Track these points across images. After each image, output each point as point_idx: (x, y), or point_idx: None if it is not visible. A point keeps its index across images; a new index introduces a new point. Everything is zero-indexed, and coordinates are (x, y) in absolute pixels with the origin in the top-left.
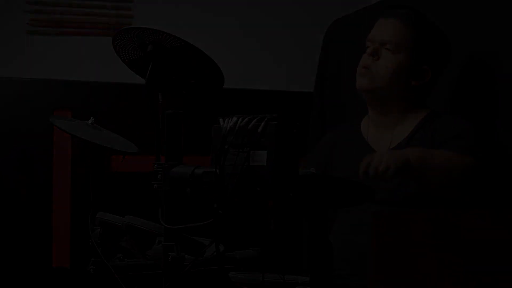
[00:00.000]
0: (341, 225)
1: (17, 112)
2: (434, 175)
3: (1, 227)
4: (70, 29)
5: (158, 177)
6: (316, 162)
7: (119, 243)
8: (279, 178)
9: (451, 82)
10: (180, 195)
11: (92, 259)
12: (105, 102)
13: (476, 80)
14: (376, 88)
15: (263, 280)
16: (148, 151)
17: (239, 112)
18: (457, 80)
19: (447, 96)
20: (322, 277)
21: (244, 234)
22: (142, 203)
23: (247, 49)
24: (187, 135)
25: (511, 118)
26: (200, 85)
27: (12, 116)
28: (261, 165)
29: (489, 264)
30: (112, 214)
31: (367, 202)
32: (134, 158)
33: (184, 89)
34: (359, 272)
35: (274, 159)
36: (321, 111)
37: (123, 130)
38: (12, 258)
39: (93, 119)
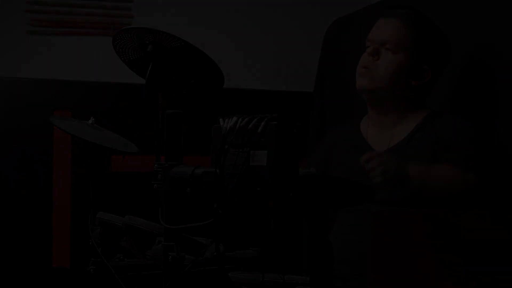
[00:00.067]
0: (341, 225)
1: (17, 112)
2: (433, 192)
3: (1, 227)
4: (70, 29)
5: (158, 177)
6: (316, 162)
7: (119, 243)
8: (279, 178)
9: (451, 82)
10: (180, 195)
11: (92, 259)
12: (105, 102)
13: (476, 80)
14: (376, 88)
15: (263, 280)
16: (148, 151)
17: (239, 112)
18: (457, 80)
19: (447, 96)
20: (322, 277)
21: (244, 234)
22: (142, 203)
23: (247, 49)
24: (187, 135)
25: (511, 118)
26: (200, 85)
27: (12, 116)
28: (261, 165)
29: (489, 264)
30: (112, 214)
31: (367, 202)
32: (134, 158)
33: (184, 89)
34: (359, 272)
35: (274, 159)
36: (321, 111)
37: (123, 130)
38: (12, 258)
39: (93, 119)
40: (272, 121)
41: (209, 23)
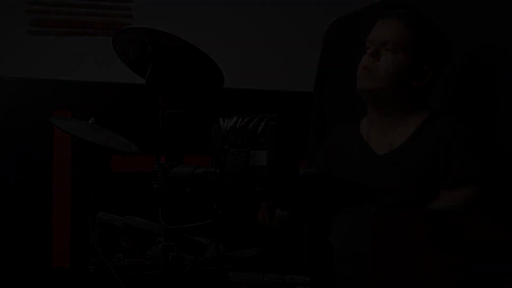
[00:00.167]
0: (341, 225)
1: (17, 112)
2: None
3: (1, 227)
4: (70, 29)
5: (158, 177)
6: (316, 162)
7: (119, 243)
8: (279, 178)
9: (451, 82)
10: (180, 195)
11: (92, 259)
12: (105, 102)
13: (476, 80)
14: (377, 88)
15: (263, 280)
16: (148, 151)
17: (239, 112)
18: (457, 80)
19: (447, 96)
20: (322, 277)
21: (244, 234)
22: (142, 203)
23: (247, 49)
24: (187, 135)
25: (511, 118)
26: (200, 85)
27: (12, 116)
28: (261, 165)
29: (489, 264)
30: (112, 214)
31: (367, 202)
32: (134, 158)
33: (184, 89)
34: (359, 272)
35: (274, 159)
36: (321, 111)
37: (123, 130)
38: (12, 258)
39: (93, 119)
40: (272, 121)
41: (209, 23)
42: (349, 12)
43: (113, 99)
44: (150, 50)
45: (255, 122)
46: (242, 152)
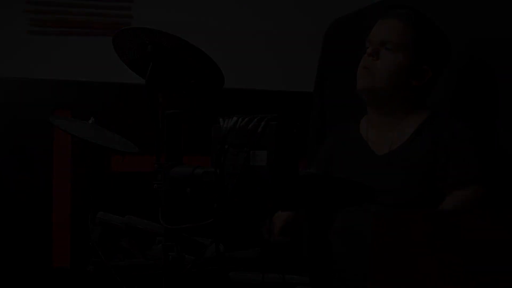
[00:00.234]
0: (341, 225)
1: (17, 112)
2: None
3: (1, 227)
4: (70, 29)
5: (158, 177)
6: (317, 162)
7: (119, 243)
8: (279, 178)
9: (451, 82)
10: (180, 195)
11: (92, 259)
12: (105, 102)
13: (476, 80)
14: (376, 88)
15: (263, 280)
16: (148, 151)
17: (239, 112)
18: (457, 80)
19: (447, 96)
20: (322, 277)
21: (244, 234)
22: (142, 203)
23: (247, 49)
24: (187, 135)
25: (511, 118)
26: (200, 85)
27: (12, 116)
28: (261, 165)
29: (489, 264)
30: (112, 214)
31: (367, 202)
32: (134, 158)
33: (184, 89)
34: (359, 272)
35: (274, 159)
36: (321, 111)
37: (123, 130)
38: (12, 258)
39: (93, 119)
40: (272, 121)
41: (209, 23)
42: (349, 12)
43: (113, 99)
44: (150, 50)
45: (255, 122)
46: (242, 152)
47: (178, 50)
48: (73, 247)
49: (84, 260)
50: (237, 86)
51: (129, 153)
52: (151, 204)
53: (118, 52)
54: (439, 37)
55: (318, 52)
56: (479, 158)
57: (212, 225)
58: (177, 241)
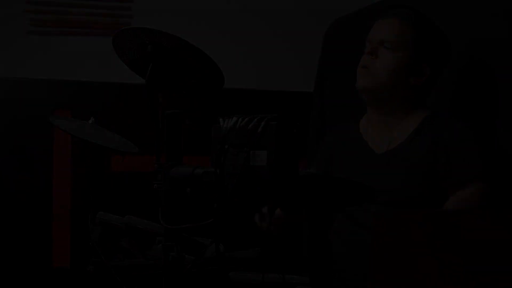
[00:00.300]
0: (341, 225)
1: (17, 112)
2: None
3: (1, 227)
4: (70, 29)
5: (158, 177)
6: (316, 162)
7: (119, 243)
8: (279, 178)
9: (451, 82)
10: (180, 195)
11: (92, 259)
12: (105, 102)
13: (476, 80)
14: (376, 87)
15: (263, 280)
16: (148, 151)
17: (239, 112)
18: (457, 80)
19: (447, 96)
20: (322, 277)
21: (244, 234)
22: (142, 203)
23: (247, 49)
24: (187, 135)
25: (511, 118)
26: (200, 85)
27: (12, 116)
28: (261, 165)
29: (489, 264)
30: (112, 214)
31: (367, 202)
32: (134, 158)
33: (184, 89)
34: (359, 272)
35: (274, 159)
36: (321, 111)
37: (123, 130)
38: (12, 258)
39: (93, 119)
40: (272, 121)
41: (209, 23)
42: (349, 12)
43: (113, 99)
44: (150, 50)
45: (255, 122)
46: (242, 152)
47: (178, 50)
48: (73, 247)
49: (84, 260)
50: (237, 86)
51: (129, 153)
52: (151, 204)
53: (118, 52)
54: (438, 36)
55: (318, 52)
56: (481, 156)
57: (212, 225)
58: (177, 241)
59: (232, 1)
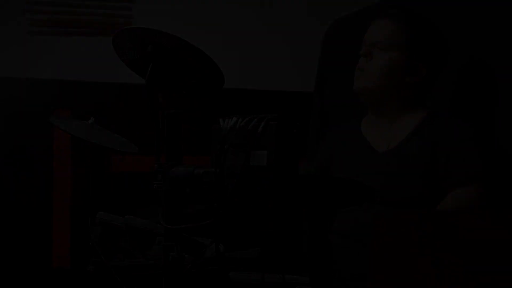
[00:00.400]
0: (341, 225)
1: (17, 112)
2: None
3: (1, 227)
4: (70, 29)
5: (158, 177)
6: (317, 162)
7: (119, 243)
8: (279, 178)
9: (451, 82)
10: (180, 195)
11: (92, 259)
12: (105, 102)
13: (476, 80)
14: (371, 88)
15: (263, 280)
16: (148, 151)
17: (239, 112)
18: (457, 80)
19: (447, 96)
20: (322, 277)
21: (244, 234)
22: (142, 203)
23: (247, 49)
24: (187, 135)
25: (511, 118)
26: (200, 85)
27: (12, 116)
28: (261, 165)
29: (489, 264)
30: (112, 214)
31: (367, 202)
32: (134, 158)
33: (184, 89)
34: (359, 272)
35: (274, 159)
36: (321, 111)
37: (123, 130)
38: (12, 258)
39: (93, 119)
40: (272, 121)
41: (209, 23)
42: (349, 12)
43: (113, 99)
44: (150, 50)
45: (255, 122)
46: (242, 152)
47: (178, 50)
48: (73, 247)
49: (84, 260)
50: (237, 86)
51: (129, 153)
52: (151, 204)
53: (118, 52)
54: (434, 36)
55: (318, 52)
56: (480, 156)
57: (212, 225)
58: (177, 241)
59: (232, 1)
